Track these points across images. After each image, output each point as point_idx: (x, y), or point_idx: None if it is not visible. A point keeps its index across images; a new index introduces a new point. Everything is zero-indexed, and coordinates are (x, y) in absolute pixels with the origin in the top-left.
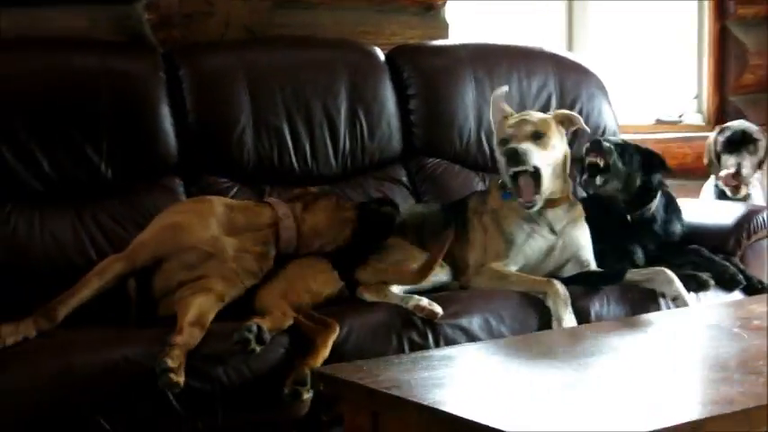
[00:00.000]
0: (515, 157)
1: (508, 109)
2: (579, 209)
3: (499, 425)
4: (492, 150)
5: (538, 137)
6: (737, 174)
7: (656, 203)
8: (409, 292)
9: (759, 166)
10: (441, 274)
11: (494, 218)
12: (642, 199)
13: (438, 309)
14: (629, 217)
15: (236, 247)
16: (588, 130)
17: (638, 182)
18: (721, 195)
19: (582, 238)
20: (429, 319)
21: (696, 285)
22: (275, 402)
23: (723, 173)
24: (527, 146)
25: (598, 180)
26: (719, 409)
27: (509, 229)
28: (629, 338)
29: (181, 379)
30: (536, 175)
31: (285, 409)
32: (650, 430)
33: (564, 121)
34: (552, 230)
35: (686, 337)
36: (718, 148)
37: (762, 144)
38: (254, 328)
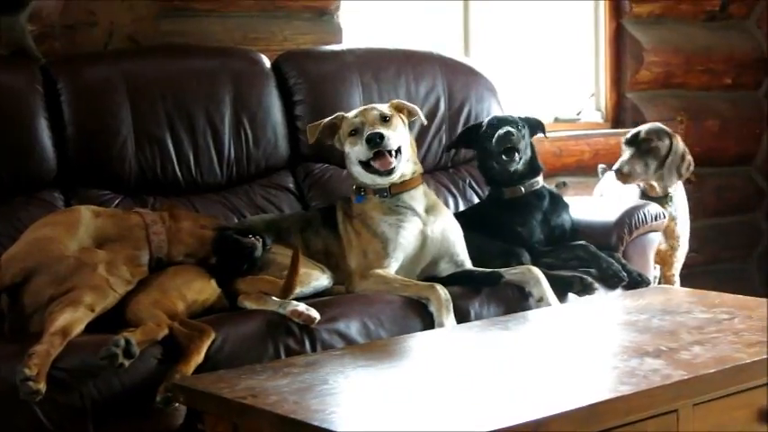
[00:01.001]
0: (376, 140)
1: (340, 114)
2: (435, 198)
3: (347, 430)
4: None
5: (385, 119)
6: (619, 171)
7: (541, 179)
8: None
9: (661, 166)
10: (322, 279)
11: (362, 221)
12: (534, 166)
13: (315, 314)
14: (522, 189)
15: (106, 256)
16: (425, 121)
17: (530, 149)
18: (642, 194)
19: (451, 230)
20: (306, 324)
21: (581, 288)
22: (149, 413)
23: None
24: (382, 129)
25: (520, 165)
26: (563, 406)
27: (379, 228)
28: (494, 338)
29: (41, 386)
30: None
31: (160, 419)
32: (491, 430)
33: (402, 109)
34: (416, 213)
35: (549, 336)
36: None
37: (660, 146)
38: (122, 343)
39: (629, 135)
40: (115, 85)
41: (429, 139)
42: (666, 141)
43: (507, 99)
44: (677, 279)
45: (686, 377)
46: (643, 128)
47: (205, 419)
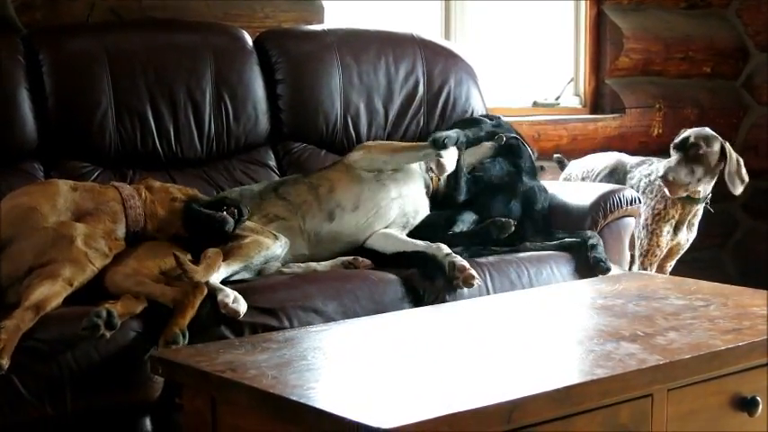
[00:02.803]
0: None
1: None
2: None
3: (325, 406)
4: (358, 134)
5: None
6: (664, 178)
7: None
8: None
9: (706, 174)
10: (274, 248)
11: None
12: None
13: (242, 308)
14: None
15: (84, 229)
16: None
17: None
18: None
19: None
20: (231, 317)
21: (498, 230)
22: (127, 386)
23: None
24: None
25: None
26: (539, 387)
27: None
28: (472, 319)
29: (4, 362)
30: None
31: (137, 392)
32: (467, 409)
33: None
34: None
35: (526, 318)
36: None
37: (707, 153)
38: (104, 314)
39: (677, 139)
40: (97, 58)
41: (407, 122)
42: (716, 148)
43: (486, 83)
44: (670, 268)
45: (661, 362)
46: (691, 133)
47: (183, 392)
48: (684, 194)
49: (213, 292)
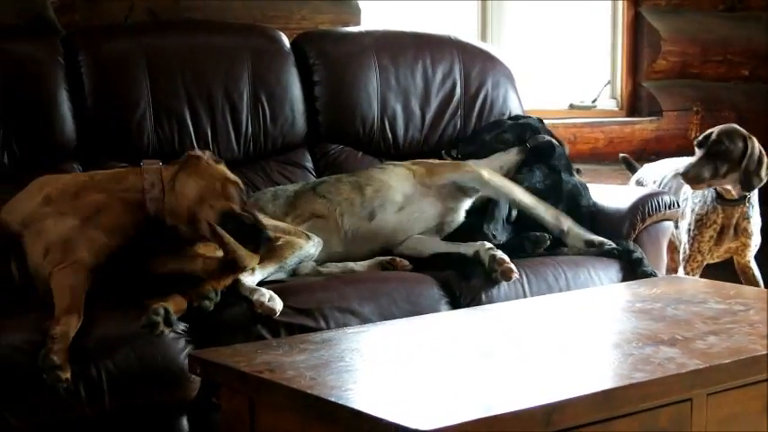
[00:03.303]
0: None
1: None
2: None
3: (363, 407)
4: (395, 136)
5: None
6: (685, 174)
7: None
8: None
9: (733, 170)
10: (307, 248)
11: None
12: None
13: (277, 306)
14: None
15: (96, 204)
16: None
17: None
18: (717, 196)
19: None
20: (268, 315)
21: (533, 245)
22: (164, 385)
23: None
24: None
25: None
26: (579, 390)
27: None
28: (509, 321)
29: (68, 374)
30: None
31: (175, 392)
32: (506, 412)
33: None
34: None
35: (564, 321)
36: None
37: (731, 149)
38: (162, 311)
39: (700, 137)
40: (135, 59)
41: (444, 124)
42: (740, 144)
43: (523, 85)
44: (754, 265)
45: (701, 366)
46: (715, 129)
47: (221, 392)
48: (707, 188)
49: (249, 292)
